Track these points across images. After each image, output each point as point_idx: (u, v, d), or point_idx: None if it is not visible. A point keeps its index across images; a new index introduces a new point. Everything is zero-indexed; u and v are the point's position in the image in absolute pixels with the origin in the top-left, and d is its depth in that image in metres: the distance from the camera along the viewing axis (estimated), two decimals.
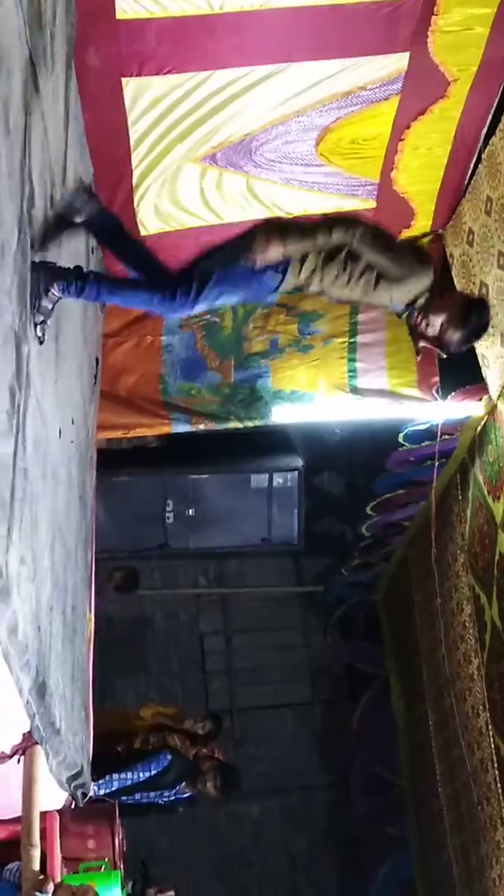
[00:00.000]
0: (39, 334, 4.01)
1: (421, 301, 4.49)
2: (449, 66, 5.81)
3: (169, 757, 7.22)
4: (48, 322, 4.09)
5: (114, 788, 6.81)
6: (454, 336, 4.49)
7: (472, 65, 5.81)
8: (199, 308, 4.54)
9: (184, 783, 7.26)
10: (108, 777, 6.88)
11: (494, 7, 5.42)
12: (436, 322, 4.47)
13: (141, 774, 7.08)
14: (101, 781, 6.71)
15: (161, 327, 7.49)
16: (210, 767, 7.38)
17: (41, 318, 4.03)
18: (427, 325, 4.50)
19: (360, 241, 4.43)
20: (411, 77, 5.86)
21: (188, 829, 9.12)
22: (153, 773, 7.13)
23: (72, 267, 4.37)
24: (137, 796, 7.06)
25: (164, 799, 7.25)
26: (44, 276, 4.07)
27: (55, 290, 4.14)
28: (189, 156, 6.22)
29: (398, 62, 5.75)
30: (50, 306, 4.10)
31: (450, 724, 7.90)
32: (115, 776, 6.96)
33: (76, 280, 4.29)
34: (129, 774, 7.10)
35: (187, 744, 7.58)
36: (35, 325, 3.96)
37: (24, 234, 3.33)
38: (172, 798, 7.27)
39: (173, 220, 6.77)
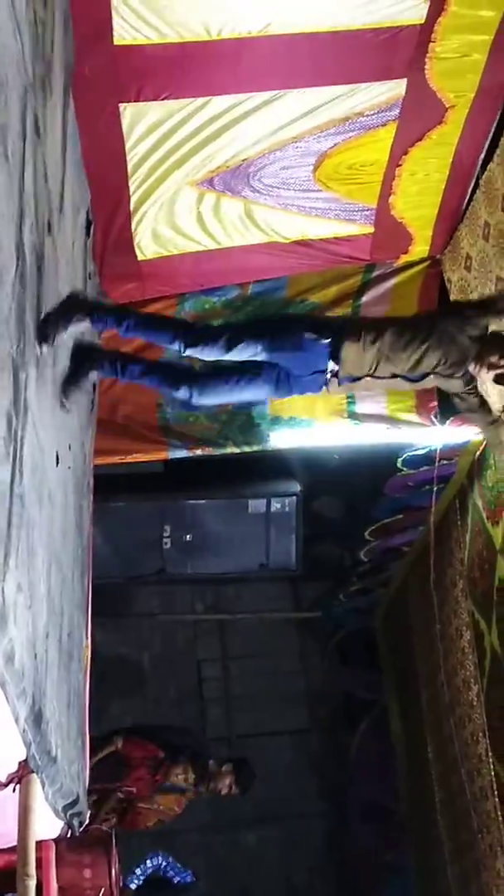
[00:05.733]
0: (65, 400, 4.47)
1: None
2: (446, 93, 5.83)
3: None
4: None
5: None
6: None
7: (470, 91, 5.83)
8: (221, 351, 4.83)
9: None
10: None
11: (492, 34, 5.44)
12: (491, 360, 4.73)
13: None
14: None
15: (160, 357, 7.47)
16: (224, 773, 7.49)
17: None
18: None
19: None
20: (409, 103, 5.87)
21: (185, 859, 9.04)
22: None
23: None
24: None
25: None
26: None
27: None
28: (186, 180, 6.23)
29: (396, 88, 5.78)
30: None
31: (449, 751, 7.85)
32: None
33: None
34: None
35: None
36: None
37: (22, 261, 3.32)
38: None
39: (171, 244, 6.78)
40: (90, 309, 4.56)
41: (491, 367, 4.72)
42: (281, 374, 4.86)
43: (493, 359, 4.71)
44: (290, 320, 5.20)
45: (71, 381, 4.60)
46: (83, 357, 4.75)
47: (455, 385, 4.93)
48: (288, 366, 4.81)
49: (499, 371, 4.72)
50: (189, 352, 4.83)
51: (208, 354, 4.86)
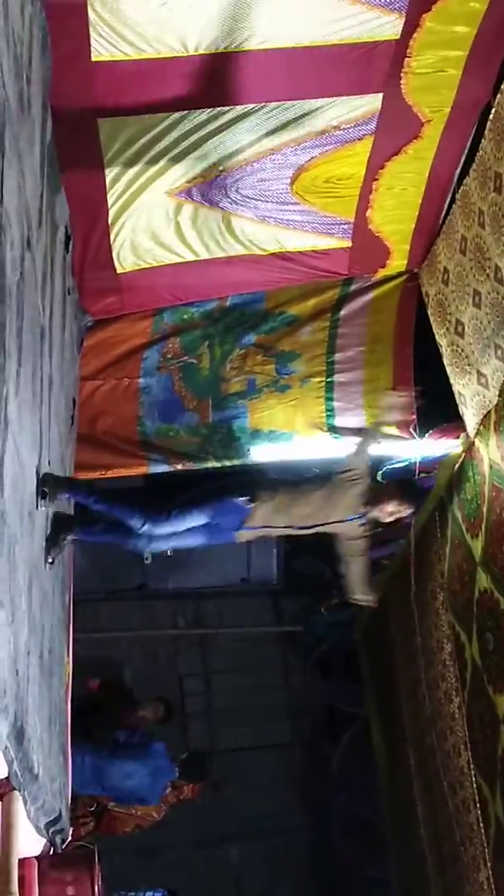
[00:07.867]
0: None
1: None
2: (422, 108, 5.86)
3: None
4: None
5: None
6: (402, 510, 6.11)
7: (445, 106, 5.86)
8: (172, 525, 5.80)
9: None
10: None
11: (466, 50, 5.48)
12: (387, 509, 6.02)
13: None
14: None
15: (138, 369, 7.47)
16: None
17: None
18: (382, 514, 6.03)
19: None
20: (385, 117, 5.90)
21: (167, 874, 9.01)
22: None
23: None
24: None
25: None
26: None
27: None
28: (164, 190, 6.24)
29: (372, 103, 5.80)
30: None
31: (430, 763, 7.84)
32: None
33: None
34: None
35: None
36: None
37: (2, 276, 3.32)
38: None
39: (149, 255, 6.78)
40: (68, 486, 5.47)
41: (389, 514, 6.06)
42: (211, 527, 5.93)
43: (391, 508, 6.03)
44: (219, 491, 6.00)
45: (51, 542, 5.22)
46: (62, 523, 5.48)
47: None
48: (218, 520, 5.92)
49: (397, 516, 6.13)
50: (147, 528, 5.72)
51: (161, 529, 5.78)
